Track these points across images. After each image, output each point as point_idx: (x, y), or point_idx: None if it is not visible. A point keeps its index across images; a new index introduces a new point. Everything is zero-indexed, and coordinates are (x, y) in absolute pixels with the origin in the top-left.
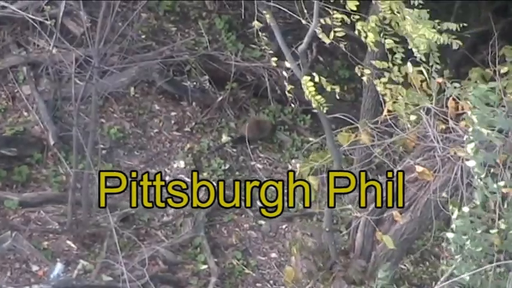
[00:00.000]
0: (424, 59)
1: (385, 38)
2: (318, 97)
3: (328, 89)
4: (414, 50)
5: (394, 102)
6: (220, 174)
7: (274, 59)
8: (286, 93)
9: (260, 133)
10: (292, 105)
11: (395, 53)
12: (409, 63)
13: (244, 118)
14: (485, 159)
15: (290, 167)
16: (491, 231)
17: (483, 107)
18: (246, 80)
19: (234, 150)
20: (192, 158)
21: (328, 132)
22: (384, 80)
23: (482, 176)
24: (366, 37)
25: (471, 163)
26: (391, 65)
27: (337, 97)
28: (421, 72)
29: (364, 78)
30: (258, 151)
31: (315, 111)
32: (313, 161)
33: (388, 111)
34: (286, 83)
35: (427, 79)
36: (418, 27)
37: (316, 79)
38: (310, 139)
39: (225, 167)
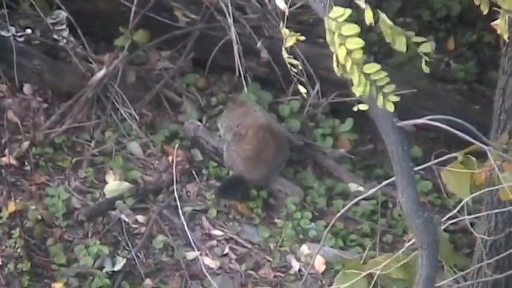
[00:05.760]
0: None
1: None
2: (372, 69)
3: (402, 46)
4: None
5: None
6: None
7: None
8: (284, 55)
9: (274, 165)
10: (303, 91)
11: None
12: None
13: (165, 125)
14: None
15: (297, 266)
16: None
17: None
18: (172, 25)
19: (138, 219)
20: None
21: (402, 165)
22: None
23: None
24: None
25: None
26: None
27: (426, 69)
28: None
29: (501, 23)
30: (202, 219)
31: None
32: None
33: None
34: (279, 22)
35: None
36: None
37: (371, 18)
38: (358, 188)
39: (108, 269)
